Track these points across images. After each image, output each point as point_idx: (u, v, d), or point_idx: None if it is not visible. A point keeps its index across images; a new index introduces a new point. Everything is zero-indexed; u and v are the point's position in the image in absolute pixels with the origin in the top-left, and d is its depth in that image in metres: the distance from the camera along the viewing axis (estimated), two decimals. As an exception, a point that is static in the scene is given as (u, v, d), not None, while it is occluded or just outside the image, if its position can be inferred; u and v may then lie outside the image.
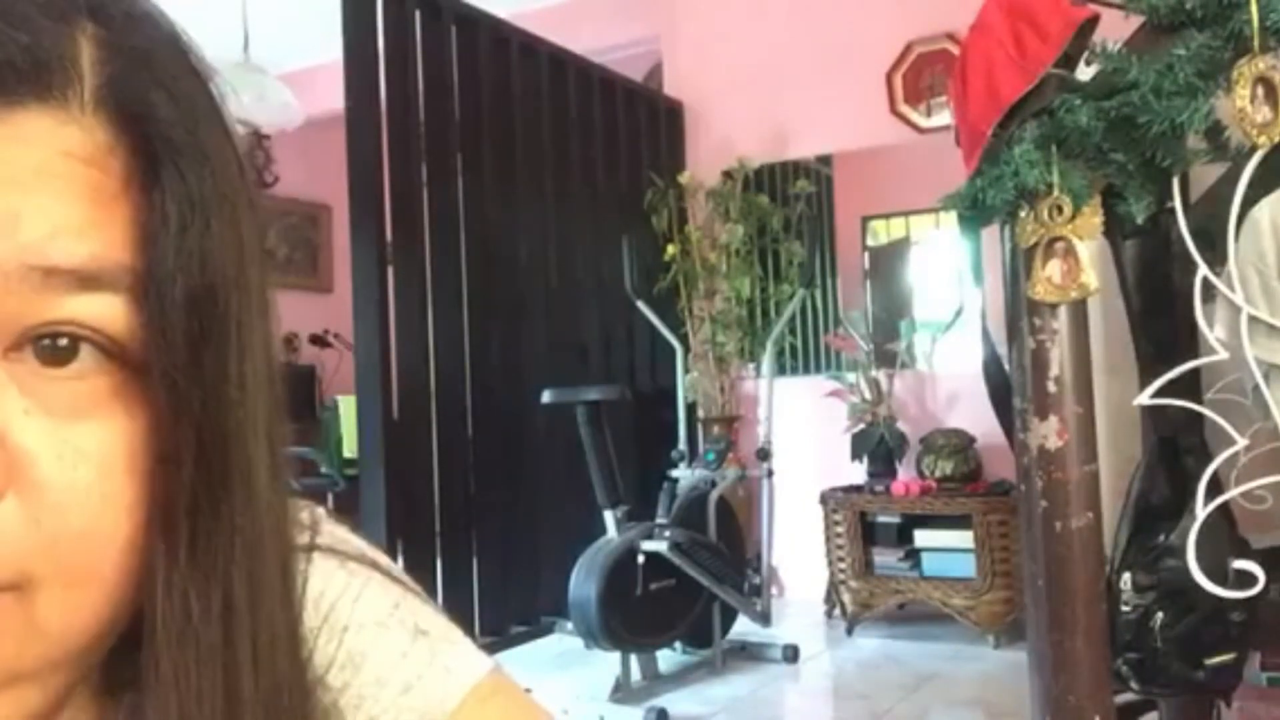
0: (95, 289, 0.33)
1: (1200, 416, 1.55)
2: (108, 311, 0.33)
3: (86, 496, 0.33)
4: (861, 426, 4.30)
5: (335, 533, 0.47)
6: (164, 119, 0.34)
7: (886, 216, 4.79)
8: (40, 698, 0.35)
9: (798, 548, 4.33)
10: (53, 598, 0.33)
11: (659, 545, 3.30)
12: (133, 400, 0.34)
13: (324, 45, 4.25)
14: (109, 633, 0.35)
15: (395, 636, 0.44)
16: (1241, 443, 1.42)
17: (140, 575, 0.34)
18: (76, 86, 0.33)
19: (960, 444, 4.02)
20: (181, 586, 0.34)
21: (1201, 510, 1.40)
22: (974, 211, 1.48)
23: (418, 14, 3.65)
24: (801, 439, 4.46)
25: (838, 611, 4.07)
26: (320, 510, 0.47)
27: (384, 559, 0.48)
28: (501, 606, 3.79)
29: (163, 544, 0.34)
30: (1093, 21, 1.43)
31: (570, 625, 3.35)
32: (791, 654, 3.63)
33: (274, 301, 0.38)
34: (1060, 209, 1.40)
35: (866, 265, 4.86)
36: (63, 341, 0.33)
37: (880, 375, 4.36)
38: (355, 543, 0.47)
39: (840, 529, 4.03)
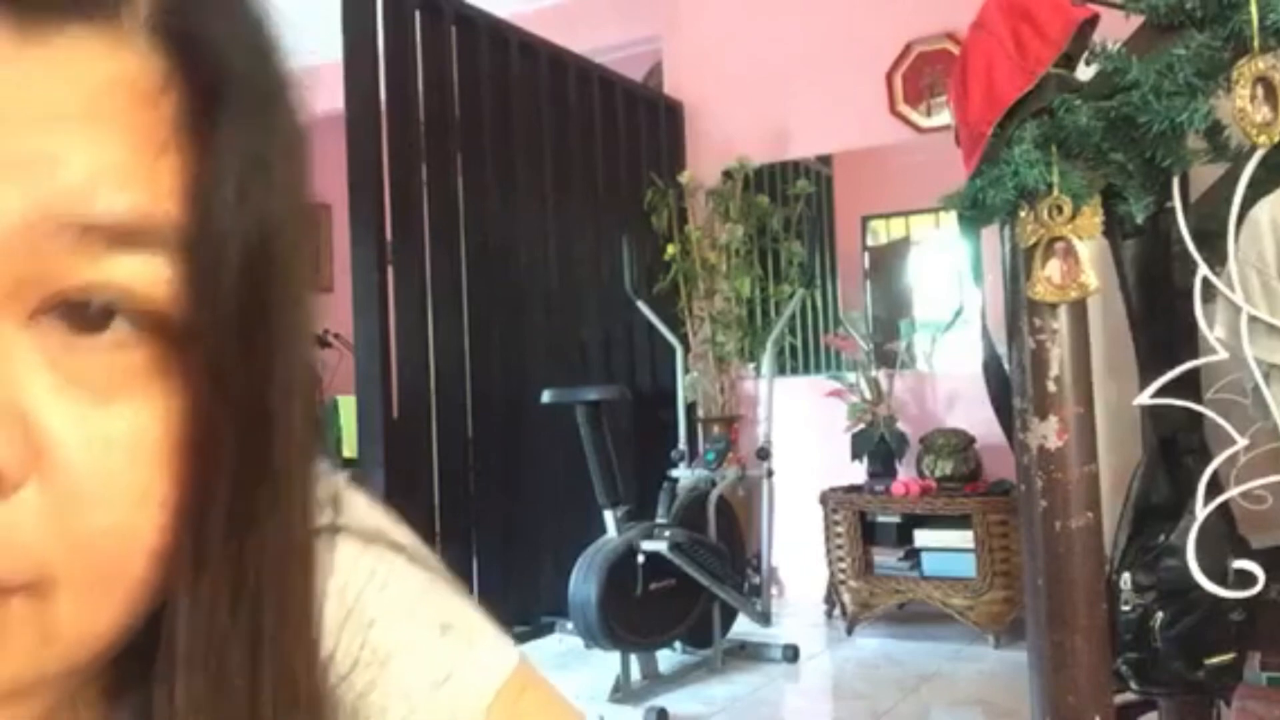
0: (136, 247, 0.28)
1: (1200, 416, 1.55)
2: (149, 274, 0.29)
3: (116, 488, 0.29)
4: (861, 426, 4.30)
5: (357, 507, 0.43)
6: (227, 49, 0.30)
7: (886, 216, 4.79)
8: (42, 707, 0.32)
9: (798, 548, 4.33)
10: (71, 600, 0.29)
11: (659, 545, 3.31)
12: (169, 378, 0.30)
13: (324, 45, 4.25)
14: (122, 638, 0.32)
15: (423, 630, 0.41)
16: (1241, 443, 1.42)
17: (166, 578, 0.31)
18: (132, 4, 0.29)
19: (960, 444, 4.02)
20: (208, 596, 0.31)
21: (1201, 510, 1.40)
22: (974, 211, 1.48)
23: (418, 14, 3.65)
24: (801, 439, 4.45)
25: (838, 611, 4.07)
26: (339, 479, 0.42)
27: (407, 537, 0.44)
28: (501, 606, 3.72)
29: (190, 545, 0.31)
30: (1093, 21, 1.43)
31: (570, 625, 3.34)
32: (791, 654, 3.63)
33: (315, 275, 0.34)
34: (1060, 209, 1.40)
35: (866, 265, 4.86)
36: (94, 309, 0.29)
37: (880, 375, 4.36)
38: (377, 518, 0.44)
39: (840, 529, 4.03)
